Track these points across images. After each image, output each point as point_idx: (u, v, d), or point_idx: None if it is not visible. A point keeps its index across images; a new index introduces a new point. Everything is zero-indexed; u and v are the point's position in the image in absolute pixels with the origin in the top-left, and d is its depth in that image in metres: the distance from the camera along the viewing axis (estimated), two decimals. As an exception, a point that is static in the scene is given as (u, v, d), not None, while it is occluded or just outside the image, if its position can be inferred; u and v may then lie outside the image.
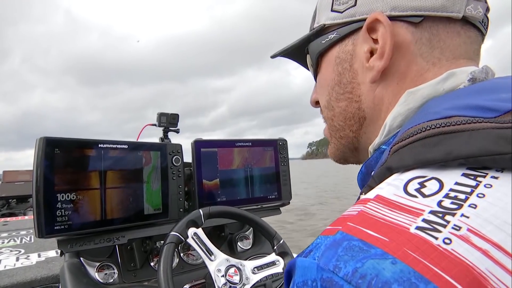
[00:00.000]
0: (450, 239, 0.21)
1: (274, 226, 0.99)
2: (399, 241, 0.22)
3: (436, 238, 0.21)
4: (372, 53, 0.38)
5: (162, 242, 0.94)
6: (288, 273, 0.27)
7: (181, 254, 1.09)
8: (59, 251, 0.85)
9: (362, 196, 0.30)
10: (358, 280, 0.21)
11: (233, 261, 0.86)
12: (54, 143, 0.78)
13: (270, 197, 1.18)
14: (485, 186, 0.24)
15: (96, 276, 0.92)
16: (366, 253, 0.22)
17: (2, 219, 2.69)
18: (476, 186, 0.24)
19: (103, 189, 0.86)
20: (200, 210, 0.88)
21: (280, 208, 1.24)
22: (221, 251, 0.87)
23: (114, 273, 0.95)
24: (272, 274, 0.91)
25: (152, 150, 0.97)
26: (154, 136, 1.19)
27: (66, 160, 0.80)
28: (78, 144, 0.83)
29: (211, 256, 0.85)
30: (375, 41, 0.37)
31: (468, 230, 0.22)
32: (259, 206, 1.18)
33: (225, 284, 0.81)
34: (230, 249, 1.21)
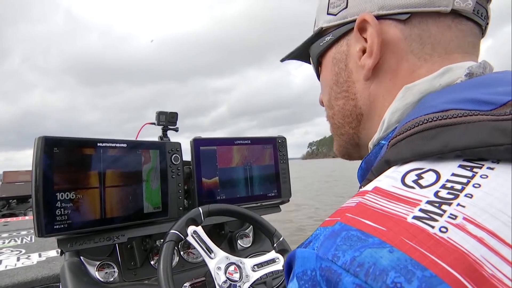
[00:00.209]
0: (446, 228, 0.22)
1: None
2: (396, 230, 0.23)
3: (433, 227, 0.22)
4: (364, 52, 0.39)
5: (162, 240, 0.95)
6: (288, 265, 0.28)
7: (181, 253, 1.09)
8: (59, 250, 0.86)
9: (361, 189, 0.30)
10: (356, 268, 0.22)
11: (233, 259, 0.87)
12: (53, 142, 0.78)
13: (270, 195, 1.18)
14: (481, 176, 0.24)
15: (97, 275, 0.92)
16: (364, 242, 0.23)
17: (3, 220, 2.70)
18: (472, 177, 0.25)
19: (103, 188, 0.86)
20: (200, 208, 0.88)
21: (280, 205, 1.24)
22: (221, 249, 0.87)
23: (114, 271, 0.95)
24: (272, 272, 0.91)
25: (151, 149, 0.97)
26: (153, 135, 1.19)
27: (65, 159, 0.80)
28: (77, 143, 0.83)
29: (211, 254, 0.85)
30: (366, 40, 0.38)
31: (464, 218, 0.22)
32: (258, 204, 1.18)
33: (225, 281, 0.82)
34: (230, 247, 1.21)
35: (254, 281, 0.86)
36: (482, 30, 0.39)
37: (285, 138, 1.24)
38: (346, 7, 0.40)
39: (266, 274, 0.89)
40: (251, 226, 1.27)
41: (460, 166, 0.26)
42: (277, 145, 1.21)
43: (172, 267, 0.77)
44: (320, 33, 0.45)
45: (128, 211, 0.90)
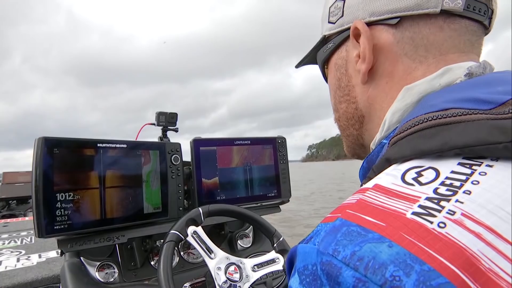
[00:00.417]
0: (444, 223, 0.22)
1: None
2: (396, 226, 0.23)
3: (431, 222, 0.22)
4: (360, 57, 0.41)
5: (162, 241, 0.95)
6: (290, 261, 0.29)
7: (181, 253, 1.09)
8: (59, 251, 0.86)
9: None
10: (356, 262, 0.22)
11: (233, 259, 0.87)
12: (53, 143, 0.79)
13: (270, 195, 1.18)
14: (479, 174, 0.25)
15: (97, 275, 0.92)
16: (364, 237, 0.23)
17: (3, 221, 2.69)
18: (471, 174, 0.25)
19: (103, 188, 0.86)
20: (200, 209, 0.88)
21: (280, 206, 1.24)
22: (221, 249, 0.87)
23: (115, 272, 0.95)
24: (272, 272, 0.91)
25: (151, 149, 0.97)
26: (153, 136, 1.19)
27: (65, 159, 0.80)
28: (77, 144, 0.83)
29: (211, 254, 0.85)
30: None
31: (462, 214, 0.23)
32: (258, 204, 1.18)
33: (225, 282, 0.82)
34: (230, 247, 1.21)
35: (254, 281, 0.86)
36: (484, 26, 0.39)
37: (284, 139, 1.24)
38: (342, 15, 0.42)
39: (266, 274, 0.90)
40: (251, 226, 1.27)
41: (459, 164, 0.26)
42: (277, 145, 1.21)
43: (172, 268, 0.77)
44: (324, 41, 0.47)
45: (128, 211, 0.90)
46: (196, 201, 1.04)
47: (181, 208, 1.02)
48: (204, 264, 0.86)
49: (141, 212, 0.93)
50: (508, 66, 0.37)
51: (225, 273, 0.83)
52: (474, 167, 0.26)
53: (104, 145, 0.87)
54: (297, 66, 0.57)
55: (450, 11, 0.36)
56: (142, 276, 0.99)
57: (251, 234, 1.27)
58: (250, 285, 0.85)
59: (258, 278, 0.87)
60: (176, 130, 1.18)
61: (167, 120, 1.15)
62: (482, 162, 0.26)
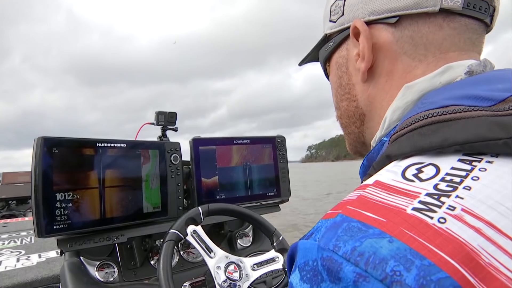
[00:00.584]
0: (444, 219, 0.22)
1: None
2: (396, 221, 0.23)
3: (432, 218, 0.23)
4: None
5: (161, 240, 0.95)
6: (291, 257, 0.29)
7: (181, 252, 1.09)
8: (59, 251, 0.86)
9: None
10: (356, 258, 0.22)
11: (233, 258, 0.87)
12: (52, 142, 0.79)
13: (269, 194, 1.18)
14: (479, 170, 0.25)
15: (97, 275, 0.92)
16: (364, 233, 0.23)
17: (2, 221, 2.69)
18: (471, 170, 0.25)
19: (102, 188, 0.86)
20: (199, 208, 0.88)
21: (279, 205, 1.24)
22: (220, 248, 0.87)
23: (114, 271, 0.95)
24: (272, 271, 0.91)
25: (151, 149, 0.97)
26: (152, 136, 1.19)
27: (64, 159, 0.80)
28: (77, 144, 0.83)
29: (210, 253, 0.85)
30: None
31: (462, 210, 0.23)
32: (258, 203, 1.18)
33: (225, 281, 0.82)
34: (230, 247, 1.21)
35: (254, 280, 0.86)
36: (485, 24, 0.39)
37: (284, 138, 1.24)
38: (343, 14, 0.42)
39: (265, 273, 0.90)
40: (250, 226, 1.27)
41: (460, 160, 0.27)
42: (276, 144, 1.21)
43: (172, 267, 0.77)
44: (325, 39, 0.47)
45: (127, 211, 0.90)
46: (196, 201, 1.04)
47: (180, 208, 1.02)
48: (203, 263, 0.86)
49: (140, 212, 0.93)
50: (508, 68, 0.38)
51: (225, 272, 0.83)
52: (474, 163, 0.26)
53: (103, 144, 0.87)
54: (300, 64, 0.58)
55: (449, 10, 0.36)
56: (142, 275, 0.99)
57: (250, 233, 1.27)
58: (250, 284, 0.85)
59: (257, 277, 0.87)
60: (175, 130, 1.18)
61: (167, 120, 1.15)
62: (482, 158, 0.26)
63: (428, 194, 0.25)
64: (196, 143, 1.07)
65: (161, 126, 1.15)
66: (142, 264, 1.01)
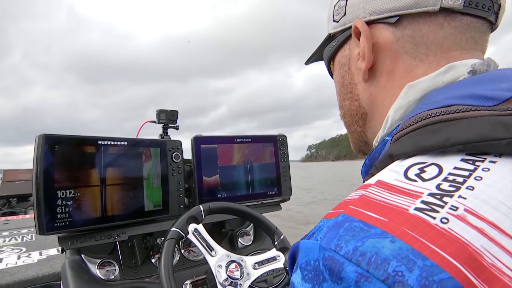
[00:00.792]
0: (447, 219, 0.22)
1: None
2: (398, 221, 0.23)
3: (434, 218, 0.23)
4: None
5: (162, 238, 0.95)
6: (292, 257, 0.29)
7: (182, 251, 1.09)
8: (60, 248, 0.86)
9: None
10: (358, 258, 0.22)
11: (234, 256, 0.87)
12: (53, 140, 0.78)
13: (270, 193, 1.18)
14: (483, 169, 0.25)
15: (98, 272, 0.92)
16: (366, 233, 0.23)
17: (3, 218, 2.70)
18: (474, 170, 0.25)
19: (103, 186, 0.86)
20: (201, 206, 0.88)
21: (280, 204, 1.24)
22: (221, 247, 0.87)
23: (115, 269, 0.95)
24: (273, 270, 0.91)
25: (152, 147, 0.97)
26: (153, 134, 1.19)
27: (66, 157, 0.80)
28: (78, 141, 0.83)
29: (211, 251, 0.85)
30: None
31: (465, 210, 0.23)
32: (259, 202, 1.18)
33: (226, 279, 0.82)
34: (231, 245, 1.21)
35: (255, 279, 0.86)
36: (490, 22, 0.38)
37: (285, 137, 1.24)
38: (345, 14, 0.42)
39: (267, 272, 0.89)
40: (251, 224, 1.27)
41: (462, 160, 0.26)
42: (277, 143, 1.21)
43: (173, 265, 0.77)
44: (329, 39, 0.47)
45: (129, 209, 0.90)
46: (197, 199, 1.04)
47: (181, 206, 1.02)
48: (204, 261, 0.86)
49: (141, 210, 0.93)
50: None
51: (226, 270, 0.83)
52: (477, 163, 0.26)
53: (105, 142, 0.87)
54: (306, 63, 0.58)
55: (450, 9, 0.36)
56: (143, 273, 0.99)
57: (251, 232, 1.27)
58: (251, 283, 0.85)
59: (259, 276, 0.87)
60: (176, 128, 1.18)
61: (168, 118, 1.15)
62: (485, 158, 0.26)
63: (430, 194, 0.24)
64: (198, 141, 1.07)
65: (163, 124, 1.15)
66: (143, 262, 1.01)
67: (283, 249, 0.94)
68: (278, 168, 1.20)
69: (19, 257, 1.41)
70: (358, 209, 0.26)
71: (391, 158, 0.31)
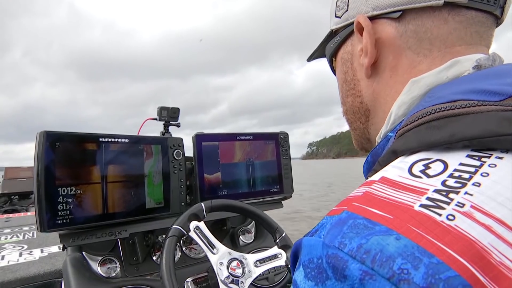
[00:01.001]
0: (453, 216, 0.22)
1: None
2: (403, 218, 0.23)
3: (440, 215, 0.22)
4: None
5: (164, 236, 0.95)
6: (295, 254, 0.28)
7: (183, 248, 1.09)
8: (61, 246, 0.85)
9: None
10: (362, 255, 0.22)
11: (236, 254, 0.86)
12: (55, 137, 0.78)
13: (272, 190, 1.18)
14: (489, 165, 0.25)
15: (99, 270, 0.92)
16: (370, 230, 0.23)
17: (5, 216, 2.71)
18: (480, 166, 0.25)
19: (105, 183, 0.86)
20: (202, 204, 0.88)
21: (282, 201, 1.24)
22: (223, 244, 0.87)
23: (117, 267, 0.95)
24: (274, 267, 0.91)
25: (153, 144, 0.97)
26: (155, 131, 1.19)
27: (67, 154, 0.80)
28: (79, 138, 0.83)
29: (213, 249, 0.84)
30: None
31: (472, 206, 0.22)
32: (260, 200, 1.18)
33: (227, 277, 0.81)
34: (232, 243, 1.21)
35: (257, 277, 0.86)
36: (495, 16, 0.37)
37: (287, 134, 1.24)
38: (347, 10, 0.42)
39: (268, 269, 0.89)
40: (253, 222, 1.27)
41: (468, 156, 0.26)
42: (279, 140, 1.21)
43: (174, 263, 0.77)
44: (331, 35, 0.47)
45: (130, 206, 0.90)
46: (198, 197, 1.04)
47: (183, 203, 1.02)
48: (206, 259, 0.86)
49: (143, 207, 0.93)
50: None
51: (228, 268, 0.83)
52: (483, 159, 0.25)
53: (106, 139, 0.87)
54: (308, 60, 0.57)
55: (455, 3, 0.35)
56: (144, 271, 0.99)
57: (253, 230, 1.27)
58: (253, 281, 0.85)
59: (260, 274, 0.87)
60: (178, 125, 1.17)
61: (169, 115, 1.14)
62: (491, 154, 0.25)
63: (436, 191, 0.24)
64: (199, 139, 1.06)
65: (164, 122, 1.15)
66: (144, 260, 1.01)
67: (284, 246, 0.94)
68: (279, 166, 1.20)
69: (20, 254, 1.42)
70: (362, 206, 0.25)
71: (394, 154, 0.30)
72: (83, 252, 0.93)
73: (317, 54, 0.53)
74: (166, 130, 1.15)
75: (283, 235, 0.95)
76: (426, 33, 0.36)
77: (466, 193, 0.23)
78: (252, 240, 1.24)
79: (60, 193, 0.78)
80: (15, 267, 1.25)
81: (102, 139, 0.87)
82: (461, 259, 0.20)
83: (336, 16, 0.45)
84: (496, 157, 0.25)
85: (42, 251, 1.46)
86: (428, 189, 0.24)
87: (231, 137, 1.12)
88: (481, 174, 0.24)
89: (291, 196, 1.23)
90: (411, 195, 0.24)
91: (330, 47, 0.47)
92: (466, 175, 0.24)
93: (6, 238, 1.72)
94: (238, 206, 0.95)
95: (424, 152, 0.28)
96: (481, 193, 0.23)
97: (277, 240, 0.95)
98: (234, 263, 0.85)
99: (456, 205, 0.23)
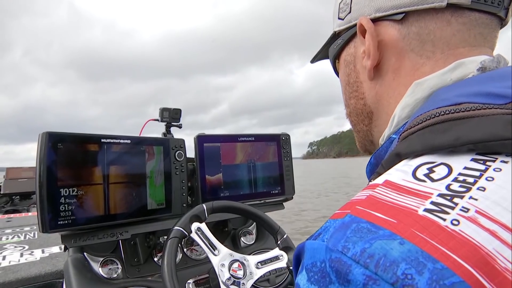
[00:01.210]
0: (458, 220, 0.22)
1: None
2: (407, 223, 0.22)
3: (444, 220, 0.22)
4: None
5: (165, 237, 0.94)
6: (297, 257, 0.28)
7: (185, 250, 1.09)
8: (63, 247, 0.85)
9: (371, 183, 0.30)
10: (366, 260, 0.22)
11: (237, 255, 0.86)
12: (57, 138, 0.78)
13: (273, 192, 1.18)
14: (494, 170, 0.24)
15: (100, 271, 0.92)
16: (374, 234, 0.23)
17: (6, 216, 2.71)
18: (485, 170, 0.25)
19: (106, 184, 0.86)
20: (204, 205, 0.88)
21: (283, 203, 1.24)
22: (224, 246, 0.87)
23: (118, 268, 0.95)
24: (275, 269, 0.91)
25: (155, 145, 0.97)
26: (156, 132, 1.19)
27: (69, 155, 0.80)
28: (81, 139, 0.83)
29: (214, 250, 0.84)
30: None
31: (476, 211, 0.22)
32: (262, 201, 1.18)
33: (229, 278, 0.81)
34: (234, 244, 1.21)
35: (258, 278, 0.86)
36: (499, 17, 0.37)
37: (289, 135, 1.24)
38: (350, 12, 0.42)
39: (269, 271, 0.89)
40: (254, 223, 1.27)
41: (473, 159, 0.26)
42: (281, 142, 1.21)
43: (176, 264, 0.77)
44: (334, 37, 0.47)
45: (131, 207, 0.90)
46: (200, 198, 1.04)
47: (184, 205, 1.02)
48: (207, 260, 0.86)
49: (144, 208, 0.93)
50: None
51: (229, 269, 0.83)
52: (488, 163, 0.25)
53: (108, 140, 0.87)
54: (312, 61, 0.58)
55: (458, 5, 0.35)
56: (146, 272, 0.99)
57: (254, 231, 1.27)
58: (254, 282, 0.85)
59: (261, 275, 0.87)
60: (179, 126, 1.18)
61: (171, 116, 1.15)
62: (496, 158, 0.25)
63: (440, 195, 0.24)
64: (201, 140, 1.06)
65: (166, 123, 1.15)
66: (146, 261, 1.01)
67: (286, 248, 0.94)
68: (281, 167, 1.20)
69: (21, 255, 1.42)
70: (366, 209, 0.25)
71: (398, 157, 0.30)
72: (85, 253, 0.93)
73: (320, 55, 0.53)
74: (168, 131, 1.16)
75: (285, 236, 0.95)
76: (429, 35, 0.36)
77: (470, 197, 0.23)
78: (253, 242, 1.24)
79: (62, 194, 0.78)
80: (16, 268, 1.25)
81: (104, 140, 0.87)
82: (466, 265, 0.20)
83: (339, 18, 0.44)
84: (501, 161, 0.25)
85: (43, 252, 1.46)
86: (432, 193, 0.24)
87: (233, 139, 1.12)
88: (486, 179, 0.24)
89: (292, 197, 1.23)
90: (415, 199, 0.24)
91: (333, 49, 0.47)
92: (471, 179, 0.24)
93: (7, 238, 1.72)
94: (240, 208, 0.94)
95: (428, 155, 0.28)
96: (486, 198, 0.23)
97: (279, 242, 0.95)
98: (236, 265, 0.85)
99: (461, 209, 0.22)
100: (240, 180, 1.12)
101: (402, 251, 0.21)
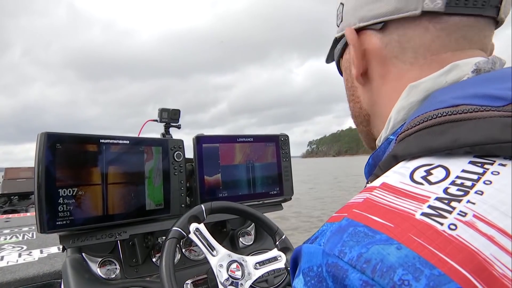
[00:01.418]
0: (455, 225, 0.21)
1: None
2: (404, 227, 0.22)
3: (442, 224, 0.22)
4: None
5: (164, 237, 0.94)
6: (294, 260, 0.28)
7: (183, 250, 1.09)
8: (61, 247, 0.85)
9: (368, 185, 0.30)
10: (363, 265, 0.21)
11: (235, 256, 0.86)
12: (55, 138, 0.78)
13: (272, 192, 1.18)
14: (492, 173, 0.24)
15: (98, 271, 0.92)
16: (371, 239, 0.22)
17: (4, 216, 2.70)
18: (483, 174, 0.24)
19: (105, 184, 0.86)
20: (202, 206, 0.88)
21: (282, 203, 1.24)
22: (223, 246, 0.87)
23: (116, 268, 0.95)
24: (274, 270, 0.91)
25: (154, 146, 0.97)
26: (155, 132, 1.19)
27: (67, 155, 0.80)
28: (80, 140, 0.83)
29: (213, 251, 0.84)
30: None
31: (474, 216, 0.22)
32: (260, 202, 1.18)
33: (227, 279, 0.81)
34: (232, 245, 1.21)
35: (256, 279, 0.86)
36: (489, 17, 0.36)
37: (287, 136, 1.24)
38: (342, 20, 0.43)
39: (268, 272, 0.89)
40: (252, 224, 1.27)
41: (471, 162, 0.25)
42: (279, 143, 1.21)
43: (174, 265, 0.77)
44: (335, 42, 0.48)
45: (130, 208, 0.90)
46: (198, 198, 1.04)
47: (183, 205, 1.02)
48: (206, 261, 0.86)
49: (143, 209, 0.93)
50: (509, 64, 0.36)
51: (227, 270, 0.83)
52: (486, 166, 0.25)
53: (106, 141, 0.87)
54: (326, 62, 0.58)
55: (433, 11, 0.34)
56: (144, 272, 0.99)
57: (253, 232, 1.27)
58: (252, 283, 0.85)
59: (260, 276, 0.87)
60: (178, 127, 1.18)
61: (170, 117, 1.14)
62: (494, 161, 0.25)
63: (437, 199, 0.23)
64: (200, 140, 1.06)
65: (164, 123, 1.15)
66: (144, 261, 1.01)
67: (284, 249, 0.94)
68: (279, 168, 1.20)
69: (20, 255, 1.41)
70: (363, 213, 0.25)
71: (395, 159, 0.30)
72: (83, 253, 0.93)
73: (331, 58, 0.54)
74: (167, 131, 1.16)
75: (283, 237, 0.95)
76: (409, 42, 0.36)
77: (468, 201, 0.23)
78: (251, 242, 1.24)
79: (61, 195, 0.78)
80: (14, 268, 1.24)
81: (103, 141, 0.87)
82: (463, 271, 0.19)
83: (337, 25, 0.46)
84: (499, 164, 0.24)
85: (41, 252, 1.46)
86: (429, 197, 0.24)
87: (232, 139, 1.12)
88: (484, 182, 0.24)
89: (291, 198, 1.23)
90: (412, 203, 0.24)
91: (335, 53, 0.49)
92: (469, 183, 0.24)
93: (5, 239, 1.72)
94: (238, 208, 0.94)
95: (425, 157, 0.28)
96: (484, 202, 0.22)
97: (277, 243, 0.95)
98: (234, 265, 0.85)
99: (458, 214, 0.22)
100: (239, 181, 1.12)
101: (399, 257, 0.21)
